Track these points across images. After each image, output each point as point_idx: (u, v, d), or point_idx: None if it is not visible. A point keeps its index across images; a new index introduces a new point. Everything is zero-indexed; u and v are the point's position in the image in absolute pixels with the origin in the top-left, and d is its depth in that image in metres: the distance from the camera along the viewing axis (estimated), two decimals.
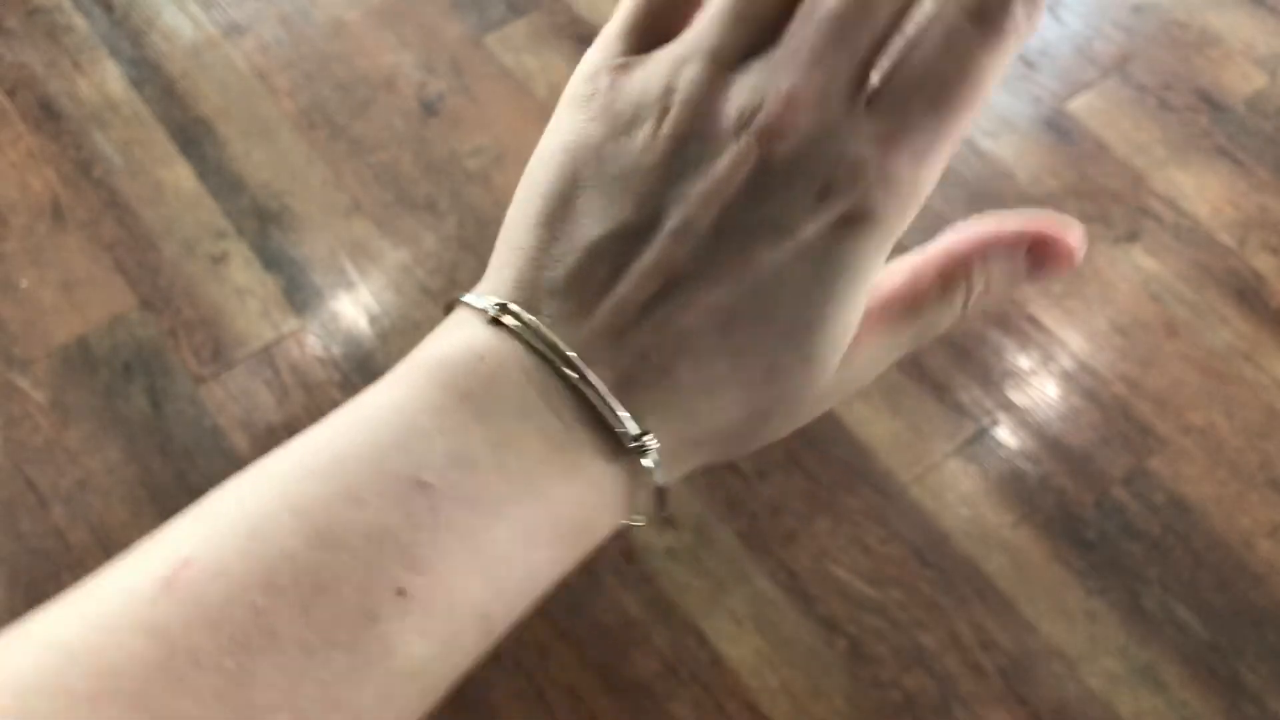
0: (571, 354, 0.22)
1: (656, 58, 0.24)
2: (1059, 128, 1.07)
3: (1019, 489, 0.87)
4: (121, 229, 1.01)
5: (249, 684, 0.18)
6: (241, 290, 0.97)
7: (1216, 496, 0.86)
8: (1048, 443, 0.89)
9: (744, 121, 0.23)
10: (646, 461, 0.23)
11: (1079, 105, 1.08)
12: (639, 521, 0.25)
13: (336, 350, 0.93)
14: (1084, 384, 0.92)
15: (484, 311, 0.24)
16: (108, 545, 0.83)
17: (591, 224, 0.24)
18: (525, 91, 1.11)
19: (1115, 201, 1.02)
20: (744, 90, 0.23)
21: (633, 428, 0.23)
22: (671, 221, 0.23)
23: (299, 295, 0.96)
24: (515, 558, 0.22)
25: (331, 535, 0.20)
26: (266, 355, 0.92)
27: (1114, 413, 0.91)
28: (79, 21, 1.17)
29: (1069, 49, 1.13)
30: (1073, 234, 0.28)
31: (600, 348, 0.23)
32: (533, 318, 0.23)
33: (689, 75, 0.23)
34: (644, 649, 0.78)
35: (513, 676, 0.77)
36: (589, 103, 0.25)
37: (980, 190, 1.02)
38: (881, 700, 0.77)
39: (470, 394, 0.22)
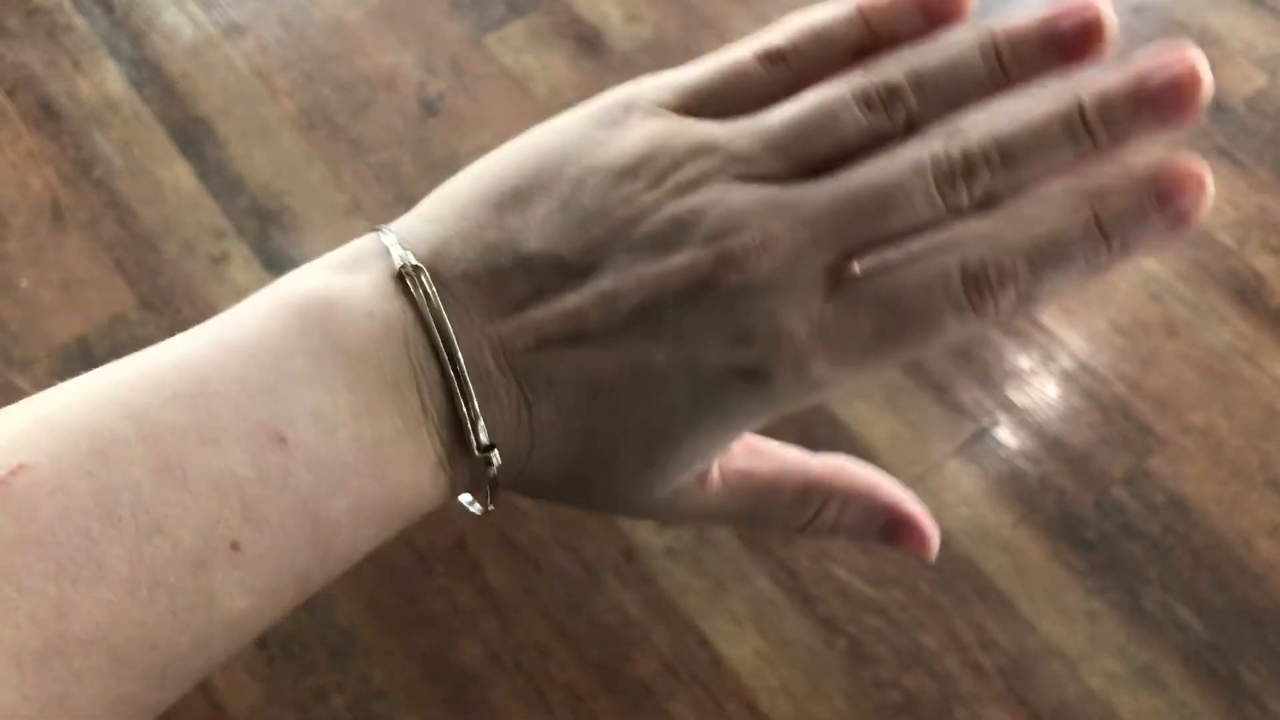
0: (458, 351, 0.23)
1: (689, 128, 0.24)
2: None
3: (1019, 489, 0.87)
4: (121, 229, 1.02)
5: (67, 614, 0.18)
6: (241, 290, 0.97)
7: (1216, 496, 0.86)
8: (1048, 443, 0.89)
9: (717, 236, 0.23)
10: (491, 471, 0.24)
11: None
12: (475, 509, 0.25)
13: None
14: (1084, 384, 0.92)
15: (393, 263, 0.24)
16: None
17: (536, 236, 0.24)
18: (525, 91, 1.11)
19: None
20: (736, 208, 0.23)
21: (485, 438, 0.23)
22: (605, 282, 0.23)
23: None
24: (345, 530, 0.22)
25: (181, 474, 0.20)
26: None
27: (1114, 413, 0.91)
28: (79, 21, 1.17)
29: None
30: (931, 532, 0.28)
31: (484, 354, 0.23)
32: (438, 294, 0.23)
33: (702, 165, 0.23)
34: (644, 649, 0.78)
35: (513, 676, 0.77)
36: (608, 127, 0.25)
37: None
38: (881, 700, 0.77)
39: (347, 350, 0.22)
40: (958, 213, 0.22)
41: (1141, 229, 0.23)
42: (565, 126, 0.25)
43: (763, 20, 1.28)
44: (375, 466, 0.22)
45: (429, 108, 1.15)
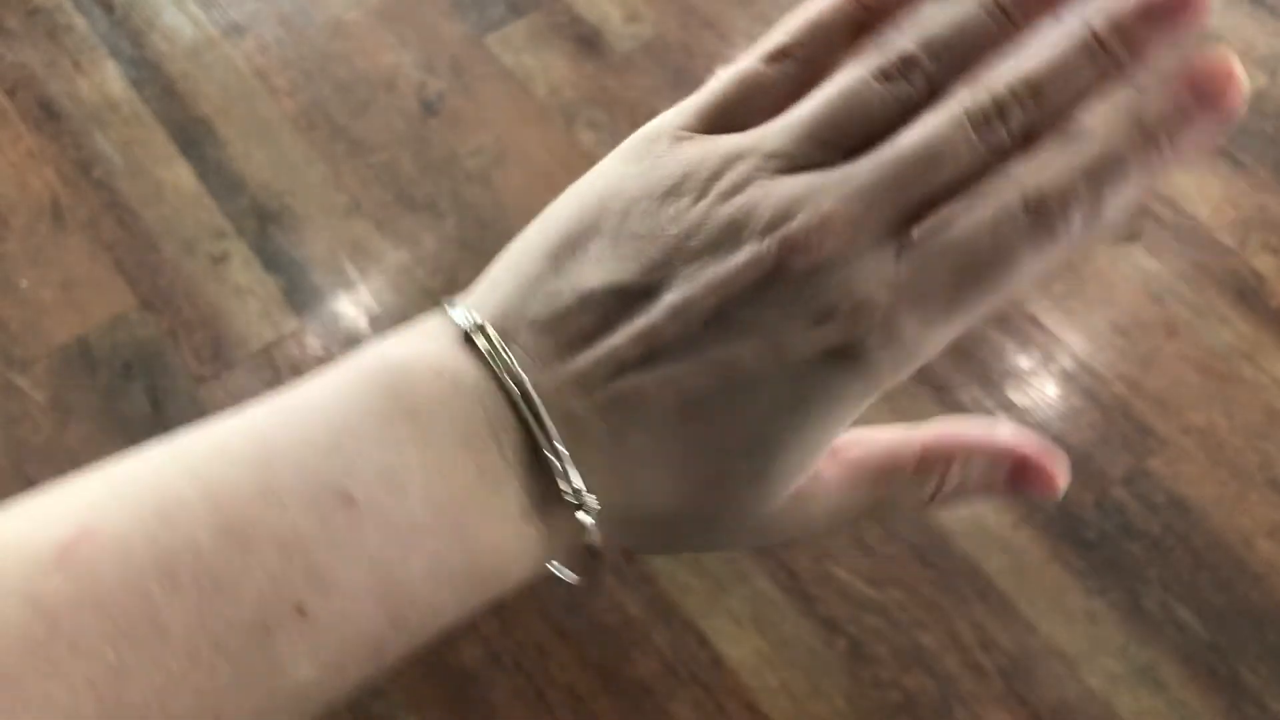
0: (533, 393, 0.22)
1: (719, 142, 0.24)
2: None
3: None
4: (121, 229, 1.01)
5: (125, 678, 0.17)
6: (241, 290, 0.97)
7: (1216, 496, 0.86)
8: (1048, 443, 0.89)
9: (774, 225, 0.22)
10: (583, 517, 0.22)
11: None
12: (568, 577, 0.24)
13: (336, 350, 0.93)
14: (1084, 384, 0.92)
15: (458, 326, 0.23)
16: None
17: (595, 272, 0.23)
18: (525, 91, 1.11)
19: None
20: (786, 197, 0.23)
21: (577, 481, 0.22)
22: (672, 296, 0.22)
23: (299, 295, 0.96)
24: (422, 594, 0.21)
25: (243, 534, 0.19)
26: (266, 355, 0.92)
27: (1114, 413, 0.91)
28: (79, 21, 1.17)
29: None
30: (1058, 467, 0.28)
31: (564, 395, 0.22)
32: (505, 346, 0.23)
33: (741, 169, 0.23)
34: (644, 649, 0.78)
35: (513, 676, 0.77)
36: (639, 160, 0.25)
37: None
38: (881, 700, 0.77)
39: (416, 410, 0.21)
40: (1002, 154, 0.22)
41: (1187, 127, 0.23)
42: (600, 171, 0.25)
43: (762, 20, 1.28)
44: (451, 526, 0.21)
45: (429, 108, 1.15)
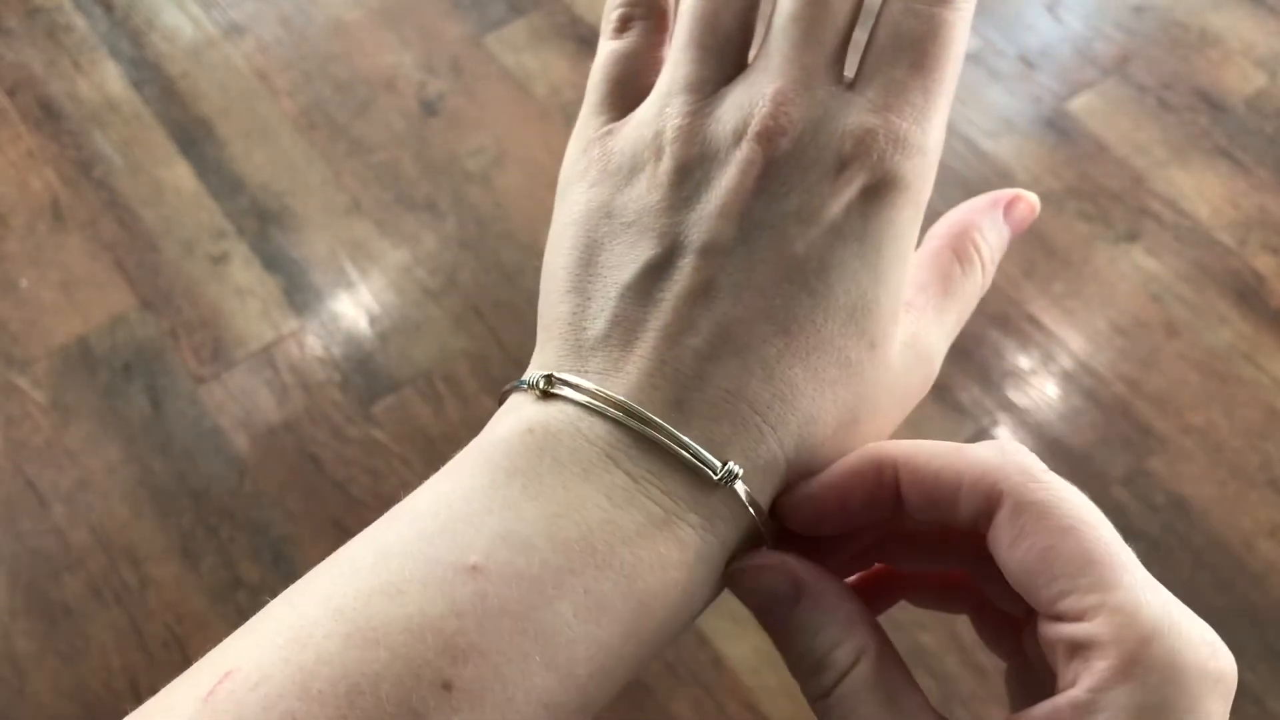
0: (628, 400, 0.21)
1: (637, 113, 0.24)
2: (1059, 128, 1.07)
3: None
4: (121, 229, 1.01)
5: None
6: (241, 290, 0.97)
7: (1216, 496, 0.86)
8: (1048, 443, 0.89)
9: (740, 132, 0.23)
10: (738, 487, 0.21)
11: (1079, 105, 1.08)
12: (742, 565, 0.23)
13: (336, 350, 0.93)
14: (1084, 384, 0.92)
15: (533, 388, 0.23)
16: (108, 545, 0.83)
17: (618, 272, 0.23)
18: (525, 91, 1.11)
19: (1115, 201, 1.02)
20: (731, 108, 0.23)
21: (711, 458, 0.21)
22: (695, 243, 0.22)
23: (299, 295, 0.96)
24: (579, 637, 0.20)
25: (370, 631, 0.19)
26: (266, 355, 0.92)
27: (1114, 413, 0.91)
28: (79, 21, 1.17)
29: (1069, 49, 1.13)
30: (1023, 192, 0.29)
31: (657, 386, 0.22)
32: (578, 378, 0.22)
33: (672, 110, 0.23)
34: None
35: None
36: (586, 172, 0.25)
37: (980, 190, 1.02)
38: None
39: (518, 469, 0.21)
40: None
41: None
42: (565, 205, 0.25)
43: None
44: (592, 559, 0.20)
45: (429, 108, 1.15)
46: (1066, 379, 0.93)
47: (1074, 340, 0.95)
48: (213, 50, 1.14)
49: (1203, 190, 1.03)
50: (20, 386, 0.92)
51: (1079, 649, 0.18)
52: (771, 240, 0.22)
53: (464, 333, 0.93)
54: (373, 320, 0.94)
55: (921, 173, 0.23)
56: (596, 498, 0.21)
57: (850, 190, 0.23)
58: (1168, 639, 0.18)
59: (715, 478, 0.21)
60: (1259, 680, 0.78)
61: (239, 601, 0.80)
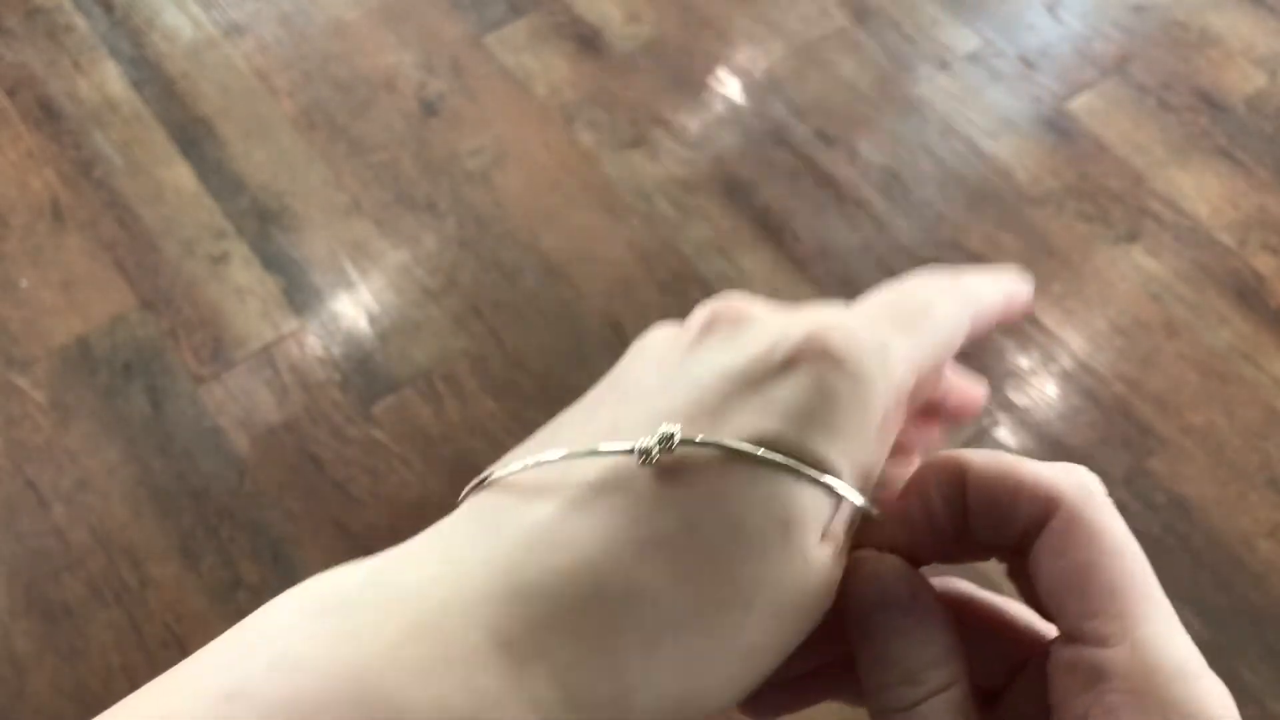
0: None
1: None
2: (1059, 128, 1.07)
3: None
4: (121, 229, 1.01)
5: None
6: (241, 290, 0.97)
7: (1216, 496, 0.86)
8: (1048, 443, 0.89)
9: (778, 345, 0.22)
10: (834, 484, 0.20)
11: (1079, 105, 1.08)
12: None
13: (336, 350, 0.93)
14: (1084, 384, 0.92)
15: (637, 450, 0.23)
16: (108, 545, 0.83)
17: (650, 401, 0.23)
18: (525, 91, 1.11)
19: (1115, 201, 1.02)
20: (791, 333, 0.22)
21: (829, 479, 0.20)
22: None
23: (299, 295, 0.96)
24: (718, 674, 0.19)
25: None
26: (266, 355, 0.92)
27: (1114, 413, 0.91)
28: (79, 21, 1.17)
29: (1069, 49, 1.13)
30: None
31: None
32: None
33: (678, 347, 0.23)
34: None
35: None
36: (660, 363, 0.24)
37: (980, 190, 1.02)
38: None
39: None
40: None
41: None
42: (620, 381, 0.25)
43: (762, 20, 1.28)
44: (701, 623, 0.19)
45: (429, 108, 1.15)
46: (1066, 379, 0.93)
47: (1074, 340, 0.95)
48: (213, 50, 1.14)
49: (1203, 190, 1.03)
50: (20, 386, 0.92)
51: (1093, 679, 0.18)
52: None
53: (464, 333, 0.93)
54: (373, 320, 0.94)
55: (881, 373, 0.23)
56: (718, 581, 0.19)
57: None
58: (1190, 684, 0.18)
59: (836, 492, 0.21)
60: (1259, 680, 0.78)
61: (239, 601, 0.80)
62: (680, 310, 0.99)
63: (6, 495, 0.85)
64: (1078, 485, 0.20)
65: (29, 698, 0.77)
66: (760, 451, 0.19)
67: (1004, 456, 0.21)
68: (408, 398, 0.90)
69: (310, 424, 0.89)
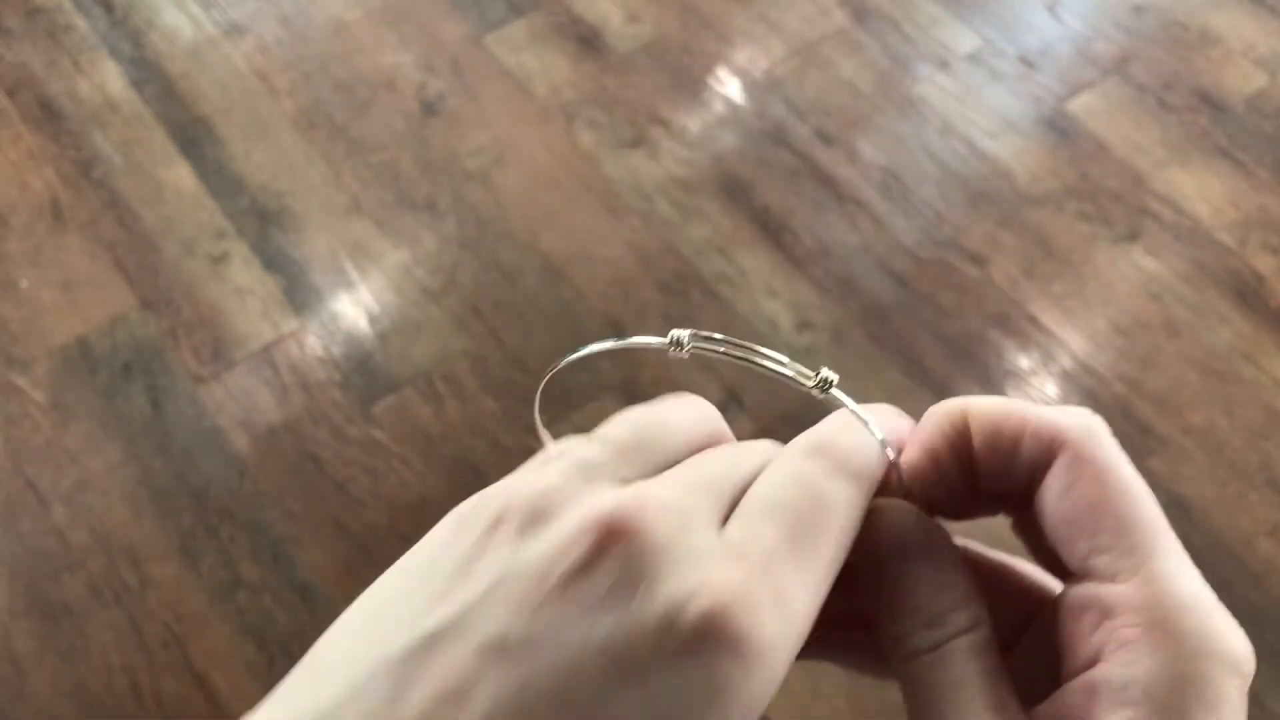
0: None
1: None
2: (1059, 128, 1.07)
3: None
4: (121, 229, 1.01)
5: None
6: (241, 290, 0.97)
7: (1216, 496, 0.86)
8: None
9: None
10: None
11: (1079, 105, 1.08)
12: None
13: (336, 350, 0.93)
14: (1084, 384, 0.92)
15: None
16: (108, 545, 0.83)
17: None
18: (525, 91, 1.11)
19: (1115, 201, 1.02)
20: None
21: None
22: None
23: (299, 295, 0.96)
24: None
25: None
26: (266, 355, 0.92)
27: (1114, 413, 0.91)
28: (79, 21, 1.17)
29: (1069, 49, 1.13)
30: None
31: None
32: None
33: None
34: None
35: None
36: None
37: (980, 190, 1.02)
38: (882, 700, 0.77)
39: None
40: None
41: None
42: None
43: (762, 20, 1.28)
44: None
45: (429, 108, 1.15)
46: (1066, 379, 0.93)
47: (1074, 340, 0.95)
48: (213, 50, 1.14)
49: (1203, 190, 1.03)
50: (20, 386, 0.92)
51: (1105, 615, 0.18)
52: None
53: (464, 332, 0.93)
54: (373, 320, 0.94)
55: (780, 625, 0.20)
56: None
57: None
58: (1202, 614, 0.17)
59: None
60: (1259, 680, 0.78)
61: (239, 601, 0.80)
62: (680, 310, 0.99)
63: (6, 495, 0.85)
64: (1082, 424, 0.20)
65: (29, 698, 0.77)
66: None
67: (1007, 400, 0.21)
68: (408, 398, 0.90)
69: (310, 424, 0.89)
